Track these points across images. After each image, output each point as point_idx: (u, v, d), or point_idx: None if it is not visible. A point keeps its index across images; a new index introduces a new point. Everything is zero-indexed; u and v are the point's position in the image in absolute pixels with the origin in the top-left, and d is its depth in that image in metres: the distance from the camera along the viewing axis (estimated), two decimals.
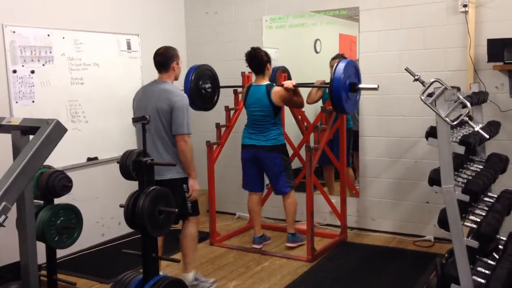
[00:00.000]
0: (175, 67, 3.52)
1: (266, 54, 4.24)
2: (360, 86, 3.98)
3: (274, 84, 4.28)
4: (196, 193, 3.50)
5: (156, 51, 3.54)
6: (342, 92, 3.77)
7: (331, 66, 4.91)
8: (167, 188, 2.86)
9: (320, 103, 4.93)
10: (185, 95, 3.52)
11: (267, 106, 4.17)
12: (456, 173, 3.02)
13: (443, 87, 2.73)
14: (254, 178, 4.41)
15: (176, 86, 3.53)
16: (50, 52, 4.17)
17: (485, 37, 4.04)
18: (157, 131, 3.42)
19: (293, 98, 4.19)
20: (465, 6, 4.12)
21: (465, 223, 2.91)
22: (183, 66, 4.15)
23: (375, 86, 3.98)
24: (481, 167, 3.33)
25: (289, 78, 4.89)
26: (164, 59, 3.50)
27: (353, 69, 3.95)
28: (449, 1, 4.22)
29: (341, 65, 3.82)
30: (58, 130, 2.11)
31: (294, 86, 4.13)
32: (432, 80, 2.83)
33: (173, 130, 3.39)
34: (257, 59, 4.21)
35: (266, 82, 4.24)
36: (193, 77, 4.46)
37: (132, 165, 2.80)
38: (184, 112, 3.37)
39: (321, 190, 4.61)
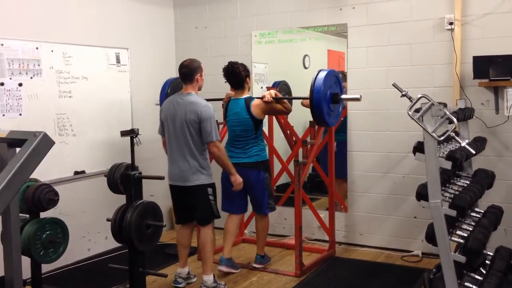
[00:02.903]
0: (199, 79, 3.72)
1: (245, 68, 4.10)
2: (343, 96, 3.84)
3: (254, 97, 4.14)
4: (240, 185, 3.87)
5: (182, 63, 3.73)
6: (323, 103, 3.60)
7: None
8: (155, 203, 2.85)
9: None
10: (210, 104, 3.67)
11: (247, 120, 4.01)
12: (443, 188, 3.04)
13: (430, 102, 2.77)
14: (236, 200, 4.16)
15: (201, 97, 3.73)
16: (39, 65, 4.15)
17: (470, 54, 4.11)
18: (186, 141, 3.63)
19: (276, 107, 4.03)
20: (451, 24, 4.19)
21: (453, 238, 2.92)
22: None
23: (358, 96, 3.84)
24: (468, 182, 3.36)
25: (289, 93, 4.93)
26: (189, 70, 3.68)
27: (334, 78, 3.78)
28: (436, 19, 4.29)
29: (321, 75, 3.63)
30: (45, 143, 2.09)
31: (273, 98, 3.97)
32: (419, 95, 2.87)
33: (204, 139, 3.63)
34: (235, 75, 4.07)
35: (245, 95, 4.10)
36: (169, 90, 4.34)
37: (120, 179, 2.79)
38: (212, 121, 3.60)
39: (309, 204, 4.61)
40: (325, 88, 3.62)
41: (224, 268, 4.13)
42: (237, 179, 3.85)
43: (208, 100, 4.67)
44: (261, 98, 3.99)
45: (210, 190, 3.73)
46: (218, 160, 3.73)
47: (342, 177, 4.78)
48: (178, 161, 3.66)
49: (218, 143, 3.68)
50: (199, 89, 3.80)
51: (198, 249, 4.31)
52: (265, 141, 4.27)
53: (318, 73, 3.66)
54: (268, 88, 4.99)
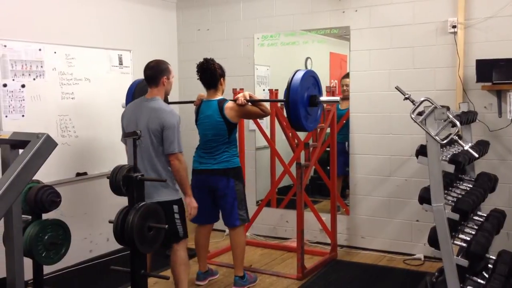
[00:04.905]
0: (165, 82, 3.38)
1: (220, 67, 3.83)
2: (322, 99, 3.59)
3: (227, 99, 3.84)
4: (195, 211, 3.44)
5: (147, 65, 3.43)
6: (300, 106, 3.35)
7: (343, 85, 4.96)
8: (158, 205, 2.85)
9: None
10: (175, 112, 3.35)
11: (220, 123, 3.70)
12: (446, 191, 3.04)
13: (433, 106, 2.77)
14: (206, 209, 3.80)
15: (165, 103, 3.41)
16: (41, 66, 4.16)
17: (473, 57, 4.10)
18: (148, 152, 3.30)
19: (251, 110, 3.74)
20: (454, 27, 4.19)
21: (455, 242, 2.92)
22: (175, 82, 4.12)
23: (337, 99, 3.80)
24: (471, 186, 3.35)
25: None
26: (154, 72, 3.37)
27: (312, 80, 3.57)
28: (438, 22, 4.29)
29: (298, 75, 3.39)
30: (48, 145, 2.09)
31: (248, 101, 3.69)
32: (422, 99, 2.86)
33: (165, 150, 3.27)
34: (209, 72, 3.76)
35: (218, 97, 3.80)
36: (135, 91, 3.99)
37: (122, 181, 2.79)
38: (175, 130, 3.25)
39: (311, 207, 4.60)
40: (302, 89, 3.40)
41: (201, 283, 4.03)
42: (192, 203, 3.42)
43: (176, 103, 4.25)
44: (235, 100, 3.73)
45: (176, 207, 3.34)
46: (177, 174, 3.30)
47: (339, 174, 4.80)
48: None
49: (181, 156, 3.28)
50: (167, 93, 3.45)
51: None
52: (237, 148, 3.93)
53: (294, 74, 3.45)
54: (270, 91, 5.01)
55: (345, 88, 4.89)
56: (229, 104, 3.73)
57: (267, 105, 4.02)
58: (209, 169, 3.76)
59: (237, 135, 3.90)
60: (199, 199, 3.56)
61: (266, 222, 5.18)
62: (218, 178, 3.76)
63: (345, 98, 4.84)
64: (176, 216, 3.34)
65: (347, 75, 4.82)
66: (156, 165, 3.29)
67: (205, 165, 3.77)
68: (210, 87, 3.81)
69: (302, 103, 3.40)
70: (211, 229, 4.10)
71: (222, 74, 3.83)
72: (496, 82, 3.95)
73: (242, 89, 4.60)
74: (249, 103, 3.71)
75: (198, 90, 4.18)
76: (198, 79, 3.86)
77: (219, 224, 5.42)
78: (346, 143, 4.83)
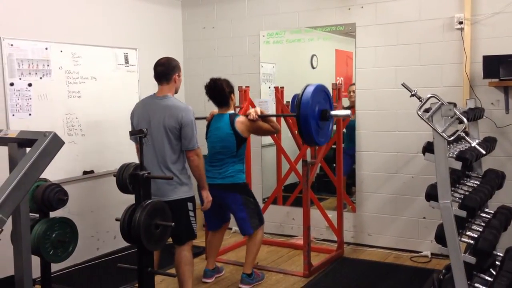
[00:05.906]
0: (176, 79, 3.39)
1: (228, 84, 3.84)
2: (333, 113, 3.61)
3: (239, 114, 3.91)
4: (209, 204, 3.50)
5: (158, 61, 3.42)
6: (311, 121, 3.37)
7: (350, 92, 4.93)
8: (164, 203, 2.85)
9: None
10: (190, 107, 3.35)
11: (229, 135, 3.74)
12: (453, 188, 3.02)
13: (439, 102, 2.75)
14: (215, 215, 3.94)
15: (179, 100, 3.42)
16: (48, 65, 4.17)
17: (480, 53, 4.08)
18: (161, 149, 3.30)
19: (262, 126, 3.80)
20: (460, 23, 4.16)
21: (462, 239, 2.90)
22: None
23: (348, 112, 3.87)
24: (478, 182, 3.33)
25: None
26: (166, 69, 3.36)
27: (323, 94, 3.60)
28: (445, 18, 4.27)
29: (309, 90, 3.42)
30: (55, 143, 2.10)
31: (259, 116, 3.75)
32: (429, 95, 2.85)
33: (184, 146, 3.29)
34: (217, 91, 3.79)
35: (230, 111, 3.86)
36: None
37: (129, 179, 2.79)
38: (193, 127, 3.28)
39: (317, 205, 4.60)
40: (313, 103, 3.39)
41: (208, 280, 4.06)
42: (209, 196, 3.49)
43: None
44: (246, 115, 3.78)
45: (190, 205, 3.36)
46: (196, 169, 3.33)
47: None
48: (154, 172, 3.24)
49: (199, 151, 3.32)
50: (176, 91, 3.45)
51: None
52: (244, 165, 3.94)
53: (305, 88, 3.46)
54: (276, 88, 5.01)
55: (351, 94, 4.87)
56: (241, 118, 3.79)
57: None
58: (214, 183, 3.74)
59: (245, 151, 3.91)
60: (209, 211, 3.65)
61: (273, 220, 5.18)
62: (224, 192, 3.79)
63: (351, 105, 4.84)
64: (191, 214, 3.37)
65: (354, 84, 4.79)
66: (171, 162, 3.30)
67: (211, 179, 3.73)
68: (222, 105, 3.86)
69: (313, 117, 3.40)
70: (225, 231, 4.17)
71: (231, 91, 3.86)
72: (503, 78, 3.92)
73: (248, 87, 4.61)
74: (260, 119, 3.76)
75: (203, 87, 4.22)
76: (208, 100, 3.89)
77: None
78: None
